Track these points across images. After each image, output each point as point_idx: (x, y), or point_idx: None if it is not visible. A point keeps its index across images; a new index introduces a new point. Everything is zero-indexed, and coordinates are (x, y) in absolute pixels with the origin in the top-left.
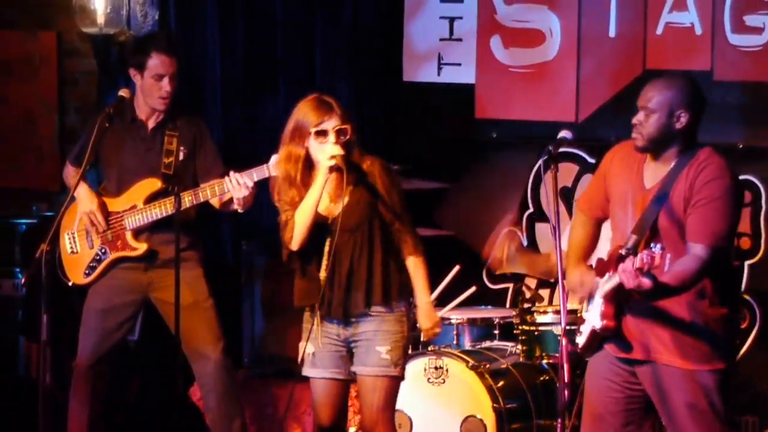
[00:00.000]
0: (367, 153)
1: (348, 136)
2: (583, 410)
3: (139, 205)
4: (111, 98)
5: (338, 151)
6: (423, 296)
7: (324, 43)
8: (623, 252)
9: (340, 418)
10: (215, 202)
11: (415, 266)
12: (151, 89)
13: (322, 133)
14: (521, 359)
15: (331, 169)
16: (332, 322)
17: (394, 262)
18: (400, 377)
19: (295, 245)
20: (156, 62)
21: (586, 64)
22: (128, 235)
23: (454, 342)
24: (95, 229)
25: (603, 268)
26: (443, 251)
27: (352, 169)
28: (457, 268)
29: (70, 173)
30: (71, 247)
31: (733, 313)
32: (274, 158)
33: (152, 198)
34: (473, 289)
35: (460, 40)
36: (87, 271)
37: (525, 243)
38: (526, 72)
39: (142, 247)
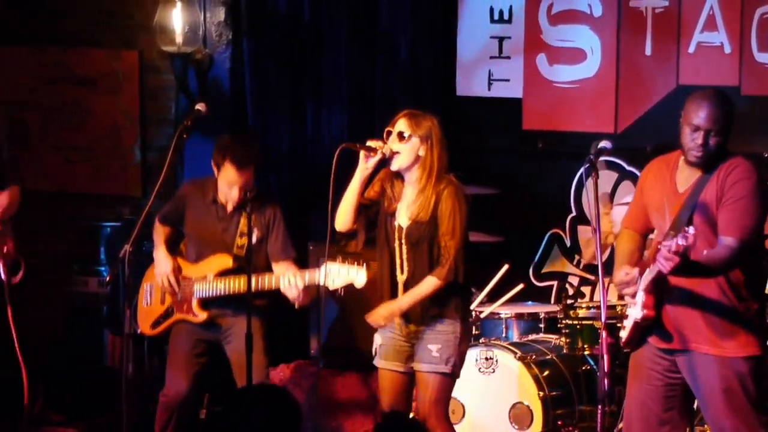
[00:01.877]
0: (449, 175)
1: (402, 139)
2: (627, 398)
3: (210, 277)
4: (188, 111)
5: (376, 143)
6: (402, 297)
7: (385, 61)
8: (660, 246)
9: (401, 407)
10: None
11: (426, 281)
12: (221, 192)
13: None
14: (565, 351)
15: (366, 157)
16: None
17: (450, 287)
18: (452, 374)
19: (337, 225)
20: (228, 172)
21: (624, 79)
22: (194, 302)
23: (503, 335)
24: (168, 290)
25: (645, 266)
26: (493, 252)
27: (425, 188)
28: (505, 267)
29: (157, 229)
30: (147, 299)
31: (763, 307)
32: (329, 267)
33: (223, 274)
34: (521, 286)
35: (508, 57)
36: (154, 324)
37: (569, 244)
38: (570, 87)
39: (202, 316)
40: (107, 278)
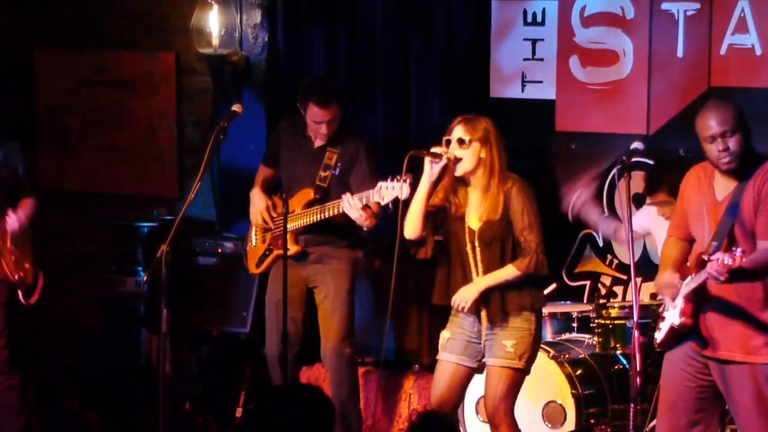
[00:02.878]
0: (512, 173)
1: (462, 145)
2: (660, 398)
3: (297, 210)
4: (224, 113)
5: (441, 149)
6: (481, 279)
7: (419, 64)
8: (705, 258)
9: (451, 403)
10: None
11: (507, 268)
12: (311, 129)
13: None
14: (597, 350)
15: (432, 163)
16: (469, 317)
17: (528, 278)
18: (524, 370)
19: (406, 233)
20: (312, 112)
21: (656, 81)
22: (288, 236)
23: None
24: (262, 227)
25: (685, 272)
26: None
27: (489, 186)
28: None
29: (259, 170)
30: (253, 241)
31: None
32: (380, 185)
33: (307, 206)
34: (554, 285)
35: (541, 60)
36: (258, 263)
37: (601, 244)
38: (602, 89)
39: (293, 248)
40: (144, 278)
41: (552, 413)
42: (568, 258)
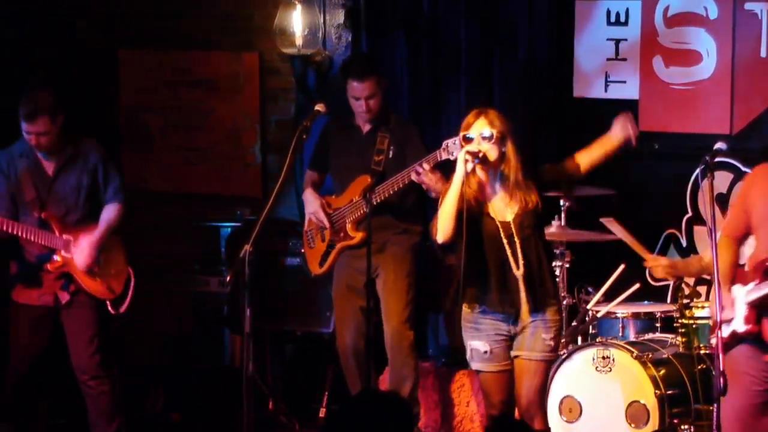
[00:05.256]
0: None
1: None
2: (725, 403)
3: (355, 199)
4: (308, 112)
5: (471, 150)
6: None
7: (502, 63)
8: None
9: (511, 403)
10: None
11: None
12: (353, 107)
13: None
14: (681, 350)
15: (465, 162)
16: (500, 317)
17: (547, 264)
18: (555, 361)
19: (439, 237)
20: (350, 87)
21: (739, 81)
22: (348, 227)
23: (620, 334)
24: (320, 227)
25: (745, 276)
26: (609, 252)
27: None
28: (622, 267)
29: (306, 175)
30: (310, 243)
31: None
32: (445, 143)
33: (366, 192)
34: (637, 286)
35: (625, 59)
36: (321, 263)
37: (684, 244)
38: (685, 89)
39: (358, 236)
40: (228, 278)
41: (635, 414)
42: None
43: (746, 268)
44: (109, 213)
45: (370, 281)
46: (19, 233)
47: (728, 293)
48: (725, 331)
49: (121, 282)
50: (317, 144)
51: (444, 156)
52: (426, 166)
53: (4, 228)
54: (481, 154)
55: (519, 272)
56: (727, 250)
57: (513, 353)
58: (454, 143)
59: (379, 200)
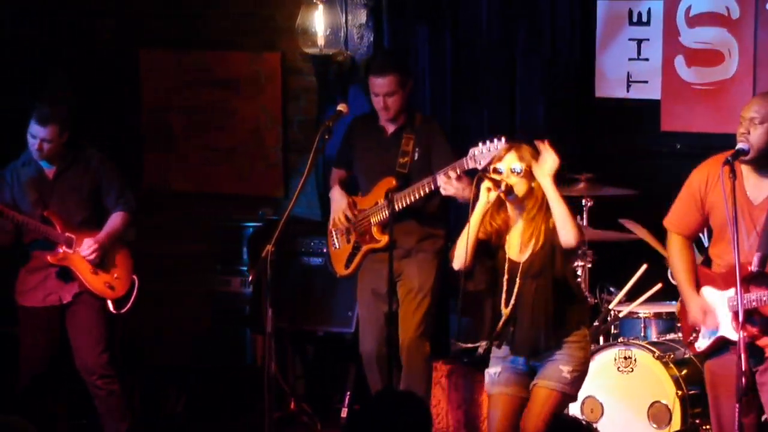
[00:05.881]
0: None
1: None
2: (716, 411)
3: (380, 202)
4: (330, 112)
5: (498, 176)
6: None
7: (523, 61)
8: (754, 270)
9: (514, 430)
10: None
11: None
12: (377, 107)
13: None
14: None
15: (488, 190)
16: (518, 356)
17: (571, 292)
18: (573, 397)
19: (454, 264)
20: (370, 82)
21: (761, 81)
22: (374, 230)
23: (642, 334)
24: (345, 227)
25: (714, 279)
26: (631, 252)
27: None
28: (644, 267)
29: (332, 173)
30: (335, 244)
31: None
32: (472, 151)
33: (389, 194)
34: (659, 286)
35: (647, 59)
36: (347, 264)
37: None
38: (707, 89)
39: (383, 239)
40: (249, 278)
41: (657, 414)
42: None
43: (714, 269)
44: (113, 220)
45: (392, 284)
46: (23, 221)
47: (697, 296)
48: (708, 339)
49: (124, 284)
50: (342, 141)
51: (471, 164)
52: (452, 174)
53: (9, 215)
54: (503, 185)
55: (506, 311)
56: (682, 251)
57: (531, 383)
58: (481, 152)
59: (402, 206)
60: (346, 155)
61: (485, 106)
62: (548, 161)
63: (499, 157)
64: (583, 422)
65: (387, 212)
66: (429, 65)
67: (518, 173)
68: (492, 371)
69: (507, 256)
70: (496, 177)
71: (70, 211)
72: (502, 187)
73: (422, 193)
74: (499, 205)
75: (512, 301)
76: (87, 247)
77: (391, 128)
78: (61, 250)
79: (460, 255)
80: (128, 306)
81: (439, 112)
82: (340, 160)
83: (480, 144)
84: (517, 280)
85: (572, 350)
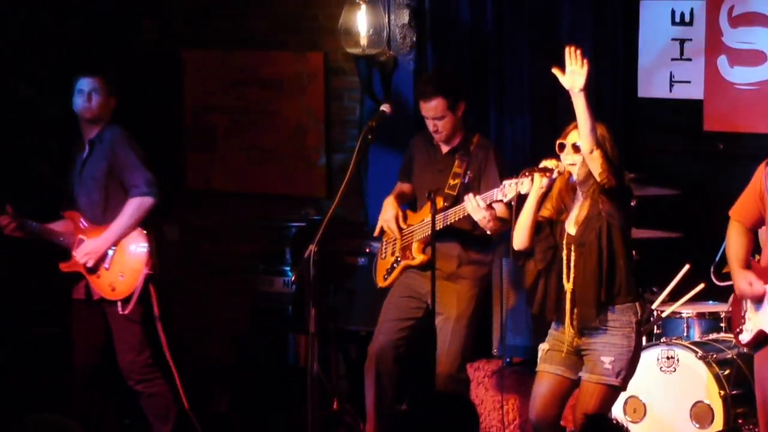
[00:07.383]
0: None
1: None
2: (759, 401)
3: (426, 219)
4: (373, 113)
5: (551, 162)
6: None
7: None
8: None
9: (551, 415)
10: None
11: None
12: (431, 131)
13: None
14: (745, 349)
15: (542, 177)
16: (560, 326)
17: (621, 262)
18: (620, 387)
19: (514, 244)
20: (421, 108)
21: None
22: (415, 246)
23: (684, 334)
24: (390, 237)
25: (758, 269)
26: (674, 252)
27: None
28: (686, 267)
29: (397, 185)
30: (383, 254)
31: None
32: (506, 183)
33: (433, 214)
34: (701, 286)
35: (689, 59)
36: (385, 276)
37: None
38: (750, 89)
39: (419, 258)
40: (292, 278)
41: (700, 414)
42: (716, 258)
43: (761, 263)
44: (126, 210)
45: (433, 300)
46: (38, 232)
47: (745, 270)
48: (752, 327)
49: (129, 285)
50: (406, 155)
51: (499, 197)
52: (481, 203)
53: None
54: (555, 172)
55: (568, 285)
56: (739, 236)
57: (580, 374)
58: (511, 185)
59: (442, 225)
60: (407, 169)
61: (528, 108)
62: (578, 73)
63: (564, 134)
64: (615, 422)
65: (426, 230)
66: (469, 71)
67: (579, 150)
68: (543, 346)
69: (567, 232)
70: (548, 164)
71: (92, 204)
72: (555, 174)
73: (459, 217)
74: (567, 186)
75: (572, 275)
76: (82, 254)
77: (445, 148)
78: (71, 258)
79: (518, 237)
80: (130, 307)
81: (481, 121)
82: (403, 173)
83: (511, 179)
84: (573, 252)
85: (615, 338)
